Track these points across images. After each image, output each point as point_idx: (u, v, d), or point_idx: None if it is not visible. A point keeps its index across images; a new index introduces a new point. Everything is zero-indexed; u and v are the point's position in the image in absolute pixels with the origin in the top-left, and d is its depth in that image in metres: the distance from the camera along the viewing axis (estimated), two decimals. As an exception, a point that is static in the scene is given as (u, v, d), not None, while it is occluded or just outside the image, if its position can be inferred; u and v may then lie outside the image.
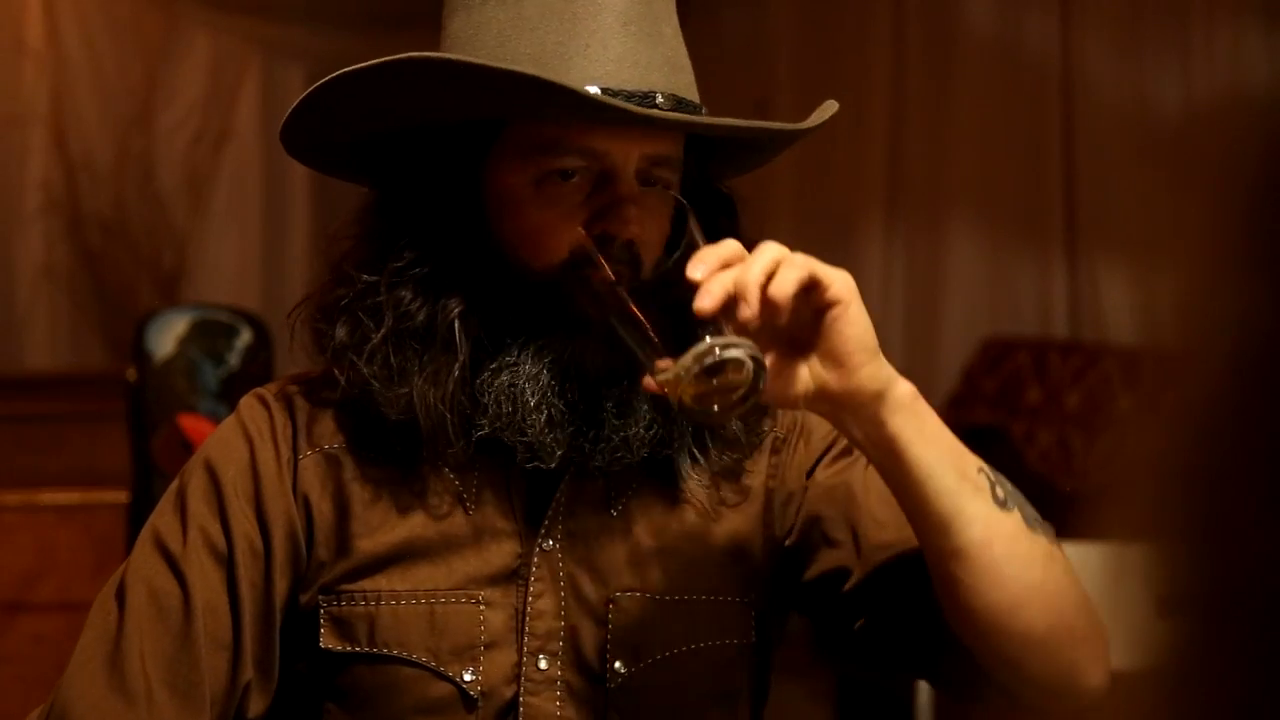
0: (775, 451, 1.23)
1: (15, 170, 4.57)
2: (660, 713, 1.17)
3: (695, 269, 1.00)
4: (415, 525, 1.16)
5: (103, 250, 4.54)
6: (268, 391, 1.21)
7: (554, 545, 1.16)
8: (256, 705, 1.15)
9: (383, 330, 1.12)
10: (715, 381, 0.99)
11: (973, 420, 4.50)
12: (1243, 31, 4.28)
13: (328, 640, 1.14)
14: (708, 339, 0.99)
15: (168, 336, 3.10)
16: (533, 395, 1.10)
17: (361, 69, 1.08)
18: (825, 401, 1.06)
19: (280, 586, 1.15)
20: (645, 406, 1.12)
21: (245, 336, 3.13)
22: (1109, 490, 0.44)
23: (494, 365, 1.12)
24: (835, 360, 1.04)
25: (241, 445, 1.17)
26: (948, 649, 1.14)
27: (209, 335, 3.13)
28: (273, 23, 4.79)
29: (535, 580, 1.15)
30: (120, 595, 1.15)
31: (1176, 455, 0.42)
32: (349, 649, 1.14)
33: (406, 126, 1.15)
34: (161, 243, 4.63)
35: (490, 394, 1.11)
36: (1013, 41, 4.81)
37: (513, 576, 1.16)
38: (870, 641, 1.20)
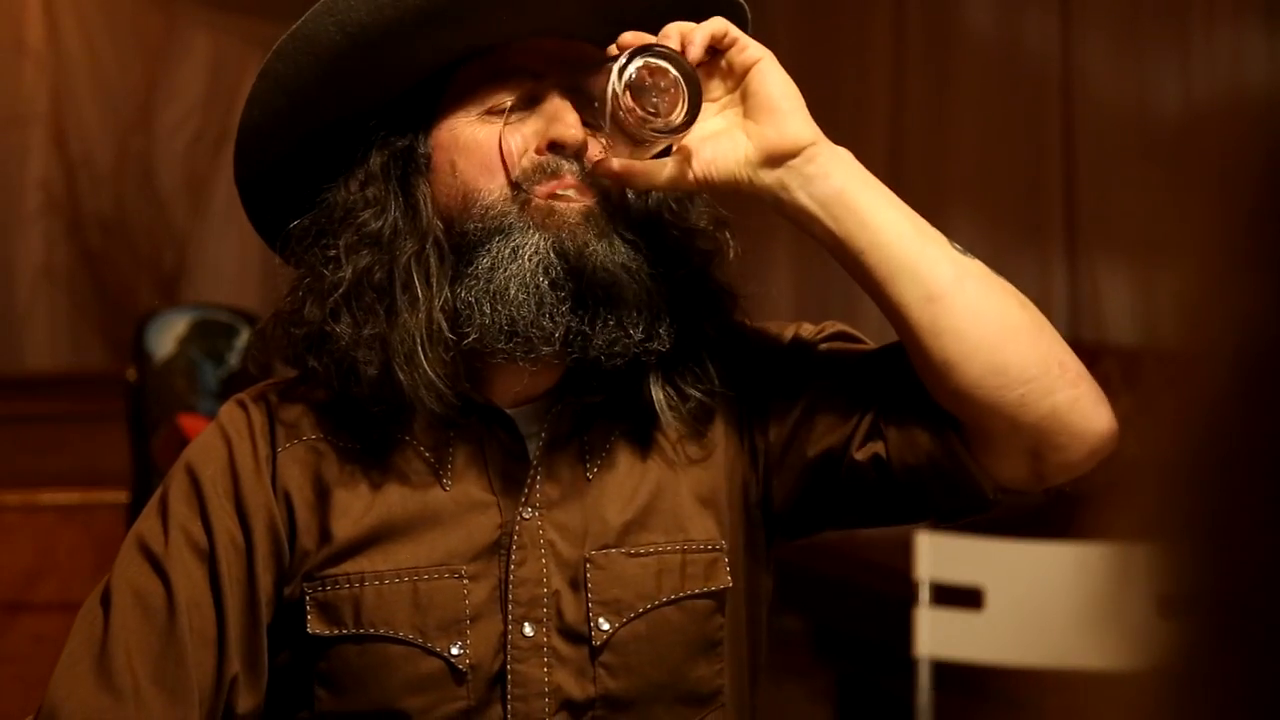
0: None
1: (15, 170, 4.57)
2: (646, 666, 1.18)
3: (613, 45, 1.10)
4: (393, 505, 1.17)
5: (103, 250, 4.54)
6: (246, 395, 1.24)
7: (534, 513, 1.18)
8: (245, 702, 1.16)
9: (343, 289, 1.15)
10: (651, 102, 1.07)
11: (973, 420, 4.49)
12: (1243, 31, 4.28)
13: (314, 625, 1.16)
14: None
15: (168, 336, 3.10)
16: (517, 290, 1.12)
17: (300, 26, 1.12)
18: (767, 163, 1.10)
19: (264, 581, 1.16)
20: (630, 295, 1.14)
21: (245, 336, 3.13)
22: (1112, 490, 0.44)
23: (470, 281, 1.14)
24: (766, 111, 1.10)
25: (220, 445, 1.19)
26: (954, 439, 1.14)
27: (209, 335, 3.13)
28: (273, 23, 4.77)
29: (516, 549, 1.17)
30: (105, 599, 1.16)
31: (1181, 455, 0.42)
32: (336, 632, 1.15)
33: (347, 109, 1.17)
34: (161, 243, 4.63)
35: (472, 302, 1.13)
36: (1013, 41, 4.81)
37: (494, 548, 1.17)
38: (885, 473, 1.18)
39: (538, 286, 1.12)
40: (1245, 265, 0.42)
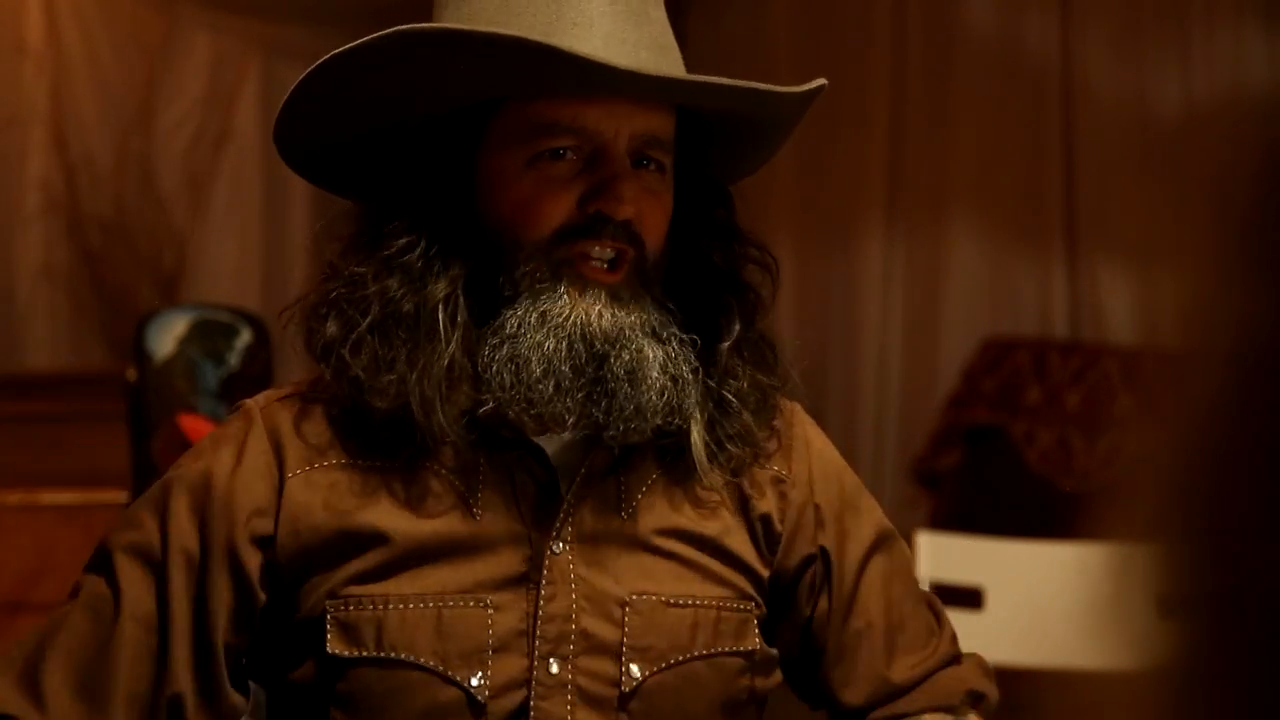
0: (782, 496, 1.24)
1: (15, 170, 4.56)
2: (671, 719, 1.17)
3: None
4: (422, 530, 1.15)
5: (103, 250, 4.54)
6: (257, 406, 1.20)
7: (564, 548, 1.16)
8: None
9: (369, 319, 1.12)
10: None
11: (973, 420, 4.50)
12: (1243, 31, 4.28)
13: (334, 645, 1.13)
14: None
15: (168, 336, 3.10)
16: (538, 364, 1.11)
17: (363, 42, 1.10)
18: None
19: (222, 599, 1.14)
20: (656, 372, 1.12)
21: (245, 336, 3.13)
22: (1111, 490, 0.44)
23: (494, 340, 1.12)
24: None
25: (203, 456, 1.18)
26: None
27: (209, 335, 3.13)
28: (273, 23, 4.78)
29: (547, 583, 1.15)
30: (74, 595, 1.17)
31: (1179, 456, 0.42)
32: (356, 653, 1.13)
33: (397, 118, 1.16)
34: (161, 243, 4.62)
35: (493, 368, 1.12)
36: (1013, 42, 4.81)
37: (522, 580, 1.15)
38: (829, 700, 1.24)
39: (559, 368, 1.11)
40: (1244, 266, 0.42)
